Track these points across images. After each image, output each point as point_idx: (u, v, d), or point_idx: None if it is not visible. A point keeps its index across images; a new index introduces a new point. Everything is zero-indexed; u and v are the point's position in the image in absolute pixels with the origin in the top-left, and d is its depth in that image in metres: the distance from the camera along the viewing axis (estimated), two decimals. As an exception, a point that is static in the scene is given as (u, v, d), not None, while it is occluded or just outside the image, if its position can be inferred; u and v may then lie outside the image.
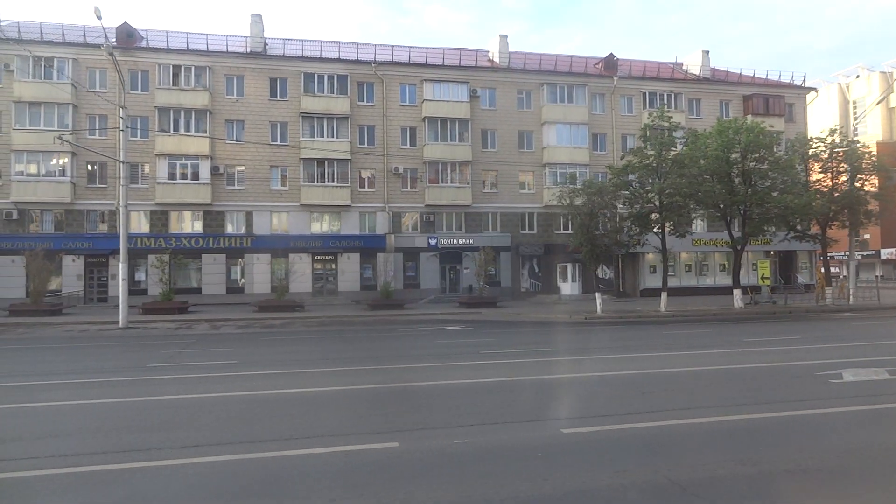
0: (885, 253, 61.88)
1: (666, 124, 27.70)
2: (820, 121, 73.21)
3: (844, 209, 29.90)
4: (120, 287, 23.22)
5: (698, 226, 41.23)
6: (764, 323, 22.63)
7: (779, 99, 42.34)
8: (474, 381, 10.29)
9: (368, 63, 36.67)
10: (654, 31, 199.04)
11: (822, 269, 33.25)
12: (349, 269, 36.16)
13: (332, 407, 8.51)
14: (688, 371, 11.23)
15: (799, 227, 31.12)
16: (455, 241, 37.26)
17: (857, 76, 73.77)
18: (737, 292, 29.00)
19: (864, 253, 67.55)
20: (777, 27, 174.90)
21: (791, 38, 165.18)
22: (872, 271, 68.91)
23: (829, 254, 68.70)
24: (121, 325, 22.60)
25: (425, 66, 37.68)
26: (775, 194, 28.19)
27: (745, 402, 8.27)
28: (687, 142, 29.20)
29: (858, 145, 29.79)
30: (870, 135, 70.02)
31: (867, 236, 69.25)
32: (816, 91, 43.47)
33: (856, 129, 75.92)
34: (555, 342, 17.12)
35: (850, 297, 30.54)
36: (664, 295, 28.30)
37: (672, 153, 27.62)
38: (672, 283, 40.71)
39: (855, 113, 73.22)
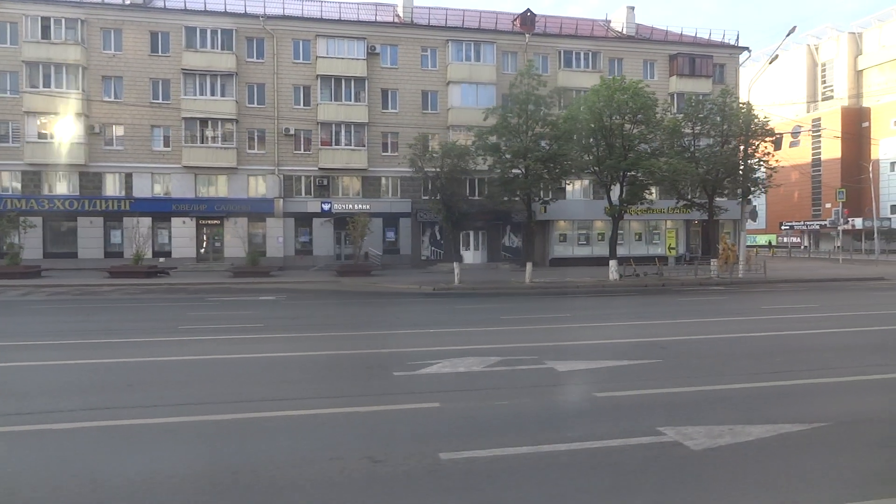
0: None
1: (534, 81, 25.87)
2: (787, 84, 70.32)
3: (731, 175, 28.08)
4: (-77, 251, 22.09)
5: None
6: (601, 297, 21.27)
7: (707, 59, 39.96)
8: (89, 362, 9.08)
9: (257, 17, 34.65)
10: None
11: (726, 241, 31.61)
12: (236, 234, 34.81)
13: None
14: (280, 357, 9.63)
15: (690, 196, 29.51)
16: (350, 206, 35.76)
17: (828, 37, 70.37)
18: (612, 263, 27.50)
19: (822, 223, 65.51)
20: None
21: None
22: (832, 242, 66.98)
23: (789, 224, 66.62)
24: (-77, 291, 21.56)
25: (320, 20, 35.64)
26: (664, 160, 26.59)
27: (201, 402, 6.92)
28: (565, 103, 27.45)
29: (742, 108, 27.69)
30: (836, 99, 67.04)
31: (828, 205, 67.04)
32: (749, 51, 40.94)
33: (824, 93, 73.21)
34: (322, 317, 16.06)
35: (740, 270, 28.98)
36: (529, 266, 26.85)
37: (541, 114, 25.89)
38: (583, 252, 39.45)
39: (823, 76, 70.10)
